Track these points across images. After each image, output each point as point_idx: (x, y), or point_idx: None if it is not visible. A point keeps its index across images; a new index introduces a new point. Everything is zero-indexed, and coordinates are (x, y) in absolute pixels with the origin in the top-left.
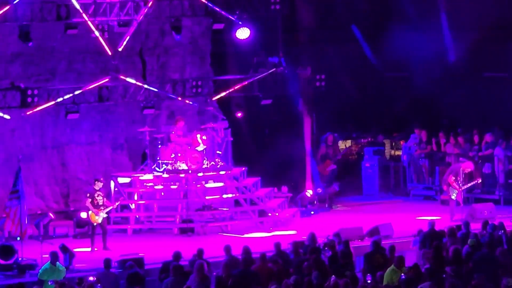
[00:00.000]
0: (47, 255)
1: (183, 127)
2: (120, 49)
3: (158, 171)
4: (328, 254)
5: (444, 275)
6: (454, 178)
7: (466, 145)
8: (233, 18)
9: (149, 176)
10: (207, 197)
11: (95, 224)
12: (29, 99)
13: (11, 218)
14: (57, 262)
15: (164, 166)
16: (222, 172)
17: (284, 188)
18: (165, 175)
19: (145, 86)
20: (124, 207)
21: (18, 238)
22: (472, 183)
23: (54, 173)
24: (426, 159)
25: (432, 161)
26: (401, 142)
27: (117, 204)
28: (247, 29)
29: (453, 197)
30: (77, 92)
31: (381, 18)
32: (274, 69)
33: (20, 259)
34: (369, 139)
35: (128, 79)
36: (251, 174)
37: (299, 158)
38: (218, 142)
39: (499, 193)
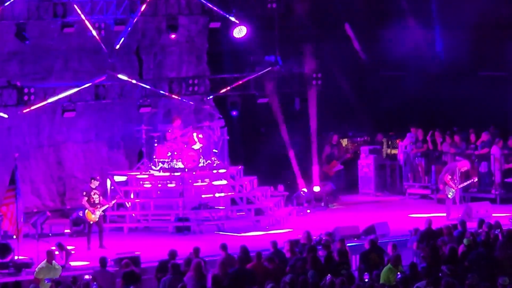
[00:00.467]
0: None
1: (179, 125)
2: (116, 48)
3: (154, 170)
4: (322, 252)
5: (440, 274)
6: (450, 177)
7: (462, 144)
8: (229, 17)
9: (145, 175)
10: (203, 196)
11: (91, 222)
12: (26, 97)
13: (8, 218)
14: (53, 261)
15: (161, 165)
16: (223, 171)
17: (280, 187)
18: (162, 174)
19: (141, 84)
20: (120, 206)
21: (14, 237)
22: (468, 182)
23: (51, 171)
24: (422, 158)
25: (428, 160)
26: (398, 141)
27: (113, 202)
28: (244, 27)
29: (449, 196)
30: (73, 91)
31: (377, 16)
32: (270, 67)
33: (16, 257)
34: (365, 138)
35: (120, 76)
36: (247, 172)
37: (296, 157)
38: (214, 140)
39: (495, 192)
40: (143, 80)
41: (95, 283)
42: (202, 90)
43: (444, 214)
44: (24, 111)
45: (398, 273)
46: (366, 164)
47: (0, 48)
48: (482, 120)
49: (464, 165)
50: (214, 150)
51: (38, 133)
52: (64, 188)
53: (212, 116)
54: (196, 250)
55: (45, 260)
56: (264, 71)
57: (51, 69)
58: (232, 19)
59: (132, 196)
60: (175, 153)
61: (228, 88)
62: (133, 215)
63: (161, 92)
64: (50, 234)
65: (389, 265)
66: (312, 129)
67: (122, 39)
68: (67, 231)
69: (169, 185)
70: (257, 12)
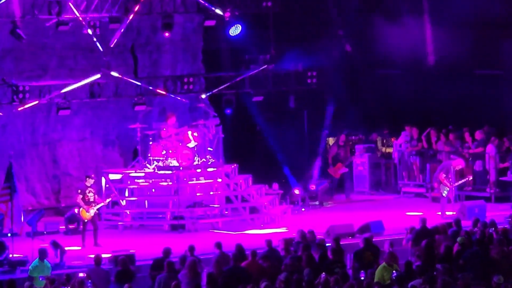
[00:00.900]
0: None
1: (174, 123)
2: (111, 46)
3: (149, 168)
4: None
5: (435, 273)
6: (445, 175)
7: (457, 143)
8: (224, 15)
9: (140, 173)
10: (198, 194)
11: (86, 220)
12: (21, 95)
13: (9, 216)
14: (45, 259)
15: (155, 163)
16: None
17: (275, 185)
18: (156, 172)
19: (136, 82)
20: (115, 204)
21: (9, 234)
22: (463, 181)
23: (45, 169)
24: (417, 157)
25: (423, 158)
26: (392, 140)
27: (108, 200)
28: (239, 26)
29: (444, 195)
30: (68, 89)
31: (372, 14)
32: (265, 66)
33: (11, 255)
34: (360, 136)
35: (113, 73)
36: (242, 171)
37: (291, 155)
38: (209, 138)
39: (490, 191)
40: (138, 78)
41: (89, 281)
42: (197, 88)
43: (439, 213)
44: (19, 109)
45: (394, 271)
46: (360, 162)
47: None
48: (478, 119)
49: (458, 164)
50: (209, 148)
51: (33, 131)
52: (59, 186)
53: (207, 114)
54: (191, 248)
55: (38, 258)
56: (259, 69)
57: (46, 67)
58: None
59: (126, 194)
60: (170, 151)
61: (223, 86)
62: (128, 213)
63: (156, 90)
64: (45, 232)
65: (383, 263)
66: (306, 127)
67: (119, 35)
68: (62, 227)
69: (163, 183)
70: (252, 11)
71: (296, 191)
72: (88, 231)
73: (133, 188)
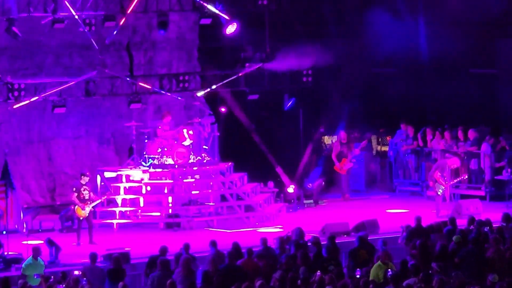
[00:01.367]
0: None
1: (169, 121)
2: (107, 44)
3: (144, 166)
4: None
5: (430, 271)
6: (440, 174)
7: (452, 141)
8: (220, 13)
9: (135, 171)
10: (193, 192)
11: (81, 218)
12: (16, 93)
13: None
14: (39, 257)
15: (151, 161)
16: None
17: (270, 184)
18: (152, 170)
19: (132, 80)
20: (110, 202)
21: (4, 232)
22: (458, 179)
23: (41, 167)
24: (412, 155)
25: (418, 157)
26: (388, 138)
27: (103, 198)
28: (235, 24)
29: (439, 193)
30: (63, 87)
31: (367, 13)
32: (261, 64)
33: (5, 253)
34: (356, 135)
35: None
36: (237, 169)
37: (286, 153)
38: (204, 137)
39: (485, 189)
40: (133, 76)
41: (84, 278)
42: (193, 87)
43: (434, 211)
44: (14, 106)
45: (389, 270)
46: (356, 160)
47: None
48: (473, 118)
49: (454, 163)
50: (204, 147)
51: (28, 129)
52: (54, 184)
53: (202, 112)
54: (186, 247)
55: (31, 256)
56: (255, 67)
57: (41, 65)
58: (224, 15)
59: (122, 192)
60: (165, 149)
61: (219, 84)
62: (123, 211)
63: (152, 88)
64: (40, 230)
65: (378, 262)
66: (301, 125)
67: (115, 33)
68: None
69: (159, 181)
70: (248, 9)
71: (290, 190)
72: (83, 229)
73: (128, 186)
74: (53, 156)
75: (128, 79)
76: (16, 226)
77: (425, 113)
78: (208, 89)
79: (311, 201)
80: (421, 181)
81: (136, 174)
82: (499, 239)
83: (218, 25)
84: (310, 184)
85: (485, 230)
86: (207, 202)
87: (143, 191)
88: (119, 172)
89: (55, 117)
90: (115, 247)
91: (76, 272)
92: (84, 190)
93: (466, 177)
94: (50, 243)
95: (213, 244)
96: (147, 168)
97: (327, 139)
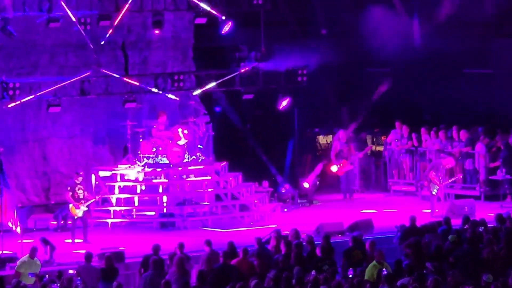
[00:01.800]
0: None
1: (164, 121)
2: (102, 43)
3: (139, 165)
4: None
5: (424, 271)
6: (435, 173)
7: (447, 141)
8: (215, 13)
9: (130, 170)
10: (188, 191)
11: (76, 217)
12: (11, 92)
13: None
14: (35, 257)
15: (146, 160)
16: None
17: (265, 183)
18: (146, 169)
19: (127, 79)
20: (105, 201)
21: None
22: (452, 179)
23: (35, 166)
24: (407, 155)
25: (413, 156)
26: (383, 138)
27: (97, 197)
28: (229, 23)
29: (433, 193)
30: (58, 86)
31: (361, 12)
32: (256, 63)
33: (0, 252)
34: (350, 135)
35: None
36: (232, 168)
37: (280, 153)
38: (199, 136)
39: (480, 189)
40: (128, 76)
41: (79, 278)
42: (188, 86)
43: (429, 211)
44: (9, 105)
45: (384, 269)
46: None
47: None
48: (468, 118)
49: (448, 162)
50: (199, 146)
51: (23, 128)
52: (48, 183)
53: (197, 112)
54: (181, 246)
55: (28, 254)
56: (250, 67)
57: (36, 64)
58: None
59: (116, 191)
60: (160, 148)
61: (214, 83)
62: (118, 210)
63: (147, 87)
64: (34, 229)
65: (374, 261)
66: (296, 125)
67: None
68: (53, 222)
69: (154, 181)
70: (243, 8)
71: (283, 189)
72: (78, 228)
73: (122, 185)
74: (48, 155)
75: (124, 78)
76: (10, 225)
77: (420, 113)
78: (203, 89)
79: (305, 201)
80: (416, 181)
81: (131, 173)
82: (493, 239)
83: (213, 24)
84: (307, 184)
85: (480, 230)
86: (201, 202)
87: (138, 190)
88: (113, 171)
89: (50, 116)
90: (110, 247)
91: (70, 271)
92: (78, 189)
93: (461, 177)
94: (44, 242)
95: (208, 243)
96: (142, 168)
97: (322, 139)
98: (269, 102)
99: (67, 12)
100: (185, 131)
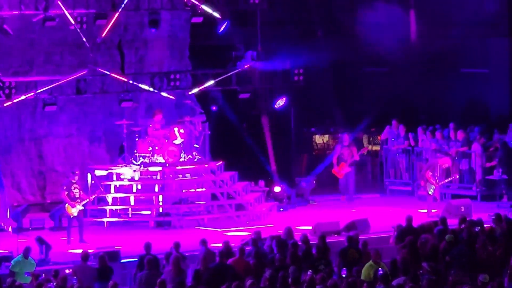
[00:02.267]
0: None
1: (161, 120)
2: (99, 42)
3: (135, 164)
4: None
5: (420, 271)
6: (431, 173)
7: (443, 141)
8: (212, 12)
9: (126, 169)
10: (183, 191)
11: (71, 216)
12: (7, 91)
13: None
14: (29, 257)
15: (141, 159)
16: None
17: (261, 182)
18: (142, 168)
19: (123, 78)
20: (101, 200)
21: None
22: (449, 179)
23: (31, 165)
24: (403, 154)
25: (409, 156)
26: (379, 137)
27: (93, 197)
28: (226, 22)
29: (430, 193)
30: (54, 84)
31: (359, 12)
32: (252, 63)
33: None
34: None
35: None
36: (228, 168)
37: (276, 153)
38: (195, 135)
39: (476, 189)
40: (125, 75)
41: (75, 277)
42: (184, 85)
43: (425, 211)
44: (5, 104)
45: (380, 269)
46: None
47: None
48: (465, 117)
49: (445, 162)
50: (195, 145)
51: (19, 127)
52: (44, 182)
53: (193, 111)
54: (177, 245)
55: (21, 254)
56: (246, 66)
57: (32, 62)
58: (216, 14)
59: (112, 190)
60: (156, 147)
61: (210, 83)
62: (114, 209)
63: (143, 86)
64: (30, 228)
65: (370, 261)
66: (293, 125)
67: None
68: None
69: (149, 180)
70: (239, 7)
71: (277, 189)
72: (74, 227)
73: (119, 184)
74: (44, 154)
75: (115, 75)
76: (2, 225)
77: (416, 113)
78: (200, 88)
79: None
80: (412, 181)
81: (127, 172)
82: (487, 240)
83: (209, 23)
84: (304, 184)
85: (476, 230)
86: (197, 201)
87: (134, 189)
88: (109, 171)
89: (46, 115)
90: (106, 246)
91: (66, 271)
92: (74, 189)
93: (457, 176)
94: (40, 241)
95: (204, 243)
96: (138, 167)
97: (318, 138)
98: (266, 102)
99: (63, 11)
100: (181, 130)
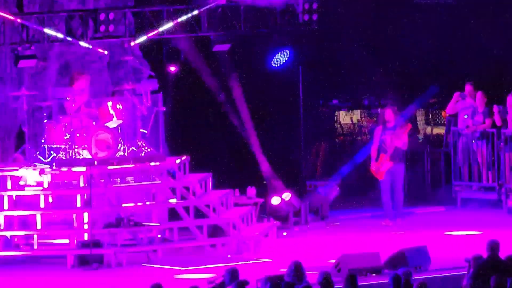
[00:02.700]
0: None
1: (84, 89)
2: None
3: (43, 162)
4: None
5: None
6: None
7: None
8: None
9: (28, 171)
10: (123, 205)
11: None
12: None
13: None
14: None
15: (54, 154)
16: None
17: (251, 190)
18: (55, 169)
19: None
20: None
21: None
22: None
23: None
24: (483, 140)
25: (493, 143)
26: (443, 114)
27: None
28: None
29: None
30: None
31: None
32: None
33: None
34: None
35: None
36: (197, 166)
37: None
38: (142, 114)
39: None
40: (23, 14)
41: None
42: (122, 31)
43: None
44: None
45: None
46: None
47: None
48: None
49: None
50: (142, 130)
51: None
52: None
53: (138, 73)
54: None
55: None
56: (223, 1)
57: None
58: None
59: (5, 206)
60: (78, 134)
61: (165, 27)
62: (8, 237)
63: (54, 33)
64: None
65: None
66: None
67: None
68: None
69: (67, 188)
70: None
71: (276, 200)
72: None
73: (16, 196)
74: None
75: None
76: None
77: (501, 72)
78: (149, 35)
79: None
80: (498, 184)
81: (30, 176)
82: None
83: None
84: (321, 191)
85: None
86: (146, 222)
87: (42, 204)
88: (0, 174)
89: None
90: None
91: None
92: None
93: None
94: None
95: None
96: (48, 166)
97: (343, 116)
98: (256, 57)
99: None
100: (119, 106)
